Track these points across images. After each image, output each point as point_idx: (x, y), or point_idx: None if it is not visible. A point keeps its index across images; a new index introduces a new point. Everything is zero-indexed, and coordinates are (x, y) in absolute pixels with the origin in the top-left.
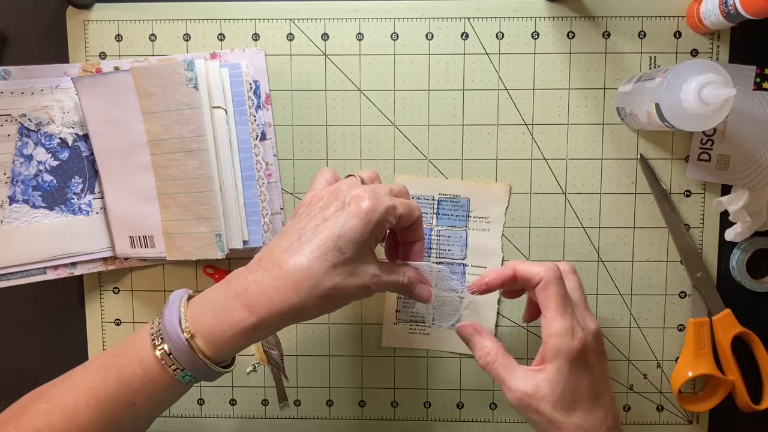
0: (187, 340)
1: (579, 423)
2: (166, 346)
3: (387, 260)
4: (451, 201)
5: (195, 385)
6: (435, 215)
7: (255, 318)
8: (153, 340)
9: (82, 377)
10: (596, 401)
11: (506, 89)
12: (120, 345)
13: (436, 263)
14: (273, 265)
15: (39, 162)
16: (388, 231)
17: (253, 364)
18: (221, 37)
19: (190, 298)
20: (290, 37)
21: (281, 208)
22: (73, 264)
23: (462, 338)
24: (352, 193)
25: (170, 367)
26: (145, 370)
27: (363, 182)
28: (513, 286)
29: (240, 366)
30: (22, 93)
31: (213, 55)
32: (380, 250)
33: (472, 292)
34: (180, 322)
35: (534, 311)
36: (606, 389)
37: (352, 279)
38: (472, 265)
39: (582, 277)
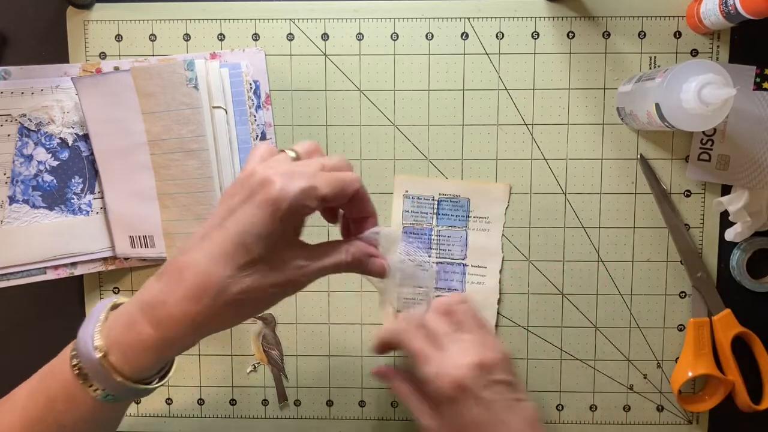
0: (99, 358)
1: None
2: (81, 365)
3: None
4: (451, 201)
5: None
6: (435, 215)
7: (159, 334)
8: (72, 357)
9: (19, 396)
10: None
11: (506, 89)
12: (53, 360)
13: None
14: (175, 272)
15: (39, 162)
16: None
17: (253, 364)
18: (221, 37)
19: (116, 306)
20: (290, 37)
21: None
22: (73, 264)
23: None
24: (262, 177)
25: (89, 387)
26: (66, 389)
27: (298, 158)
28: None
29: (240, 366)
30: (22, 93)
31: (213, 55)
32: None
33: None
34: (93, 336)
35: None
36: (516, 419)
37: (268, 278)
38: (472, 265)
39: (582, 277)
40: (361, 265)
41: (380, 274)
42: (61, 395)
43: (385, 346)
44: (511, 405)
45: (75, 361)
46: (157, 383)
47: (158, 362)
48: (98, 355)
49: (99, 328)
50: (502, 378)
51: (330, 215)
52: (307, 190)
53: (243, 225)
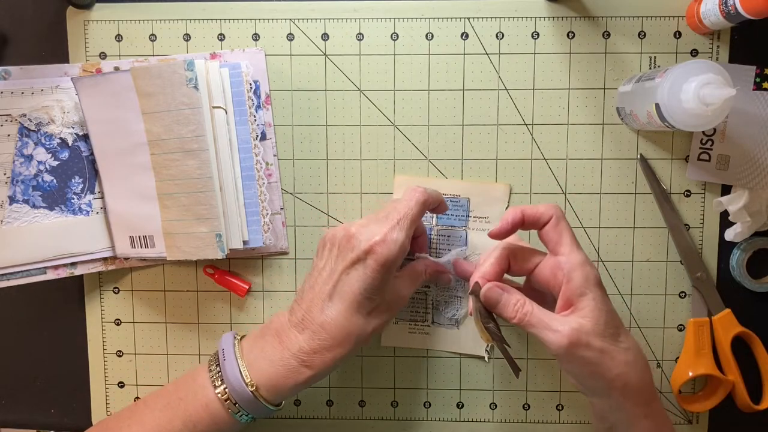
0: (252, 393)
1: (627, 346)
2: (232, 396)
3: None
4: (451, 201)
5: None
6: (435, 215)
7: (313, 372)
8: (215, 387)
9: (148, 414)
10: (622, 323)
11: (506, 89)
12: (180, 385)
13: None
14: (318, 329)
15: (39, 162)
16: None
17: (486, 349)
18: (221, 37)
19: (240, 339)
20: (290, 37)
21: (281, 208)
22: (73, 264)
23: (489, 303)
24: (367, 246)
25: (236, 413)
26: (212, 414)
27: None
28: (521, 228)
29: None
30: (22, 93)
31: (213, 55)
32: None
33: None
34: (241, 373)
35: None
36: None
37: (389, 312)
38: None
39: None
40: (434, 280)
41: (446, 284)
42: (204, 419)
43: (517, 224)
44: None
45: (224, 393)
46: (281, 405)
47: (301, 390)
48: (251, 389)
49: (242, 365)
50: None
51: None
52: (402, 247)
53: (364, 285)
